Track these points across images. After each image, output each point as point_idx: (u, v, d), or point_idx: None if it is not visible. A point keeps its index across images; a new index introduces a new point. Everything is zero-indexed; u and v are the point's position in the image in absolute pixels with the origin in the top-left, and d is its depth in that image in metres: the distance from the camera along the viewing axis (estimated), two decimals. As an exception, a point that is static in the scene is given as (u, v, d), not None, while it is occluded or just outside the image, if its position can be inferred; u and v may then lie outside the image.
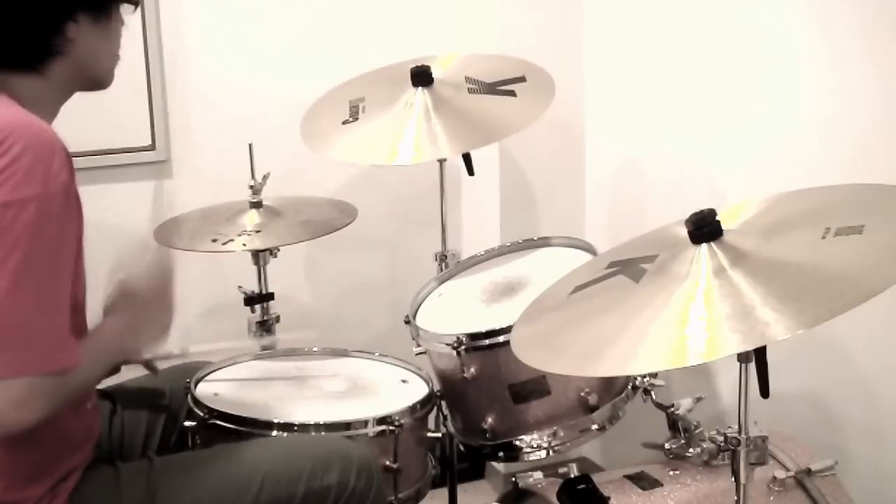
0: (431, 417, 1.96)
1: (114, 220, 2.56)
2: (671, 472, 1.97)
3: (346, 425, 1.76)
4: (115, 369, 1.73)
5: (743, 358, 1.43)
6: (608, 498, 1.88)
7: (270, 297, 2.40)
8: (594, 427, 1.92)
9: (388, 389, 1.96)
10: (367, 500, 1.63)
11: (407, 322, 2.07)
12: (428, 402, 1.91)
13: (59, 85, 1.50)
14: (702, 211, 1.45)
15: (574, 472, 2.03)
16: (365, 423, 1.78)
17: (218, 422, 1.76)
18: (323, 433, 1.76)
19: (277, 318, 2.42)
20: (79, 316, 1.48)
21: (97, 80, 1.56)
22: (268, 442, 1.70)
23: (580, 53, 2.74)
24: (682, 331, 1.32)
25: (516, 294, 2.06)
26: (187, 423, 1.77)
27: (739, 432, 1.50)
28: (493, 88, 2.30)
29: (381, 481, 1.68)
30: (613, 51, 2.67)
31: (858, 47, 2.01)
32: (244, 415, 1.77)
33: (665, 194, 2.53)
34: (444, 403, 2.02)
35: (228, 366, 2.02)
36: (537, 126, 2.28)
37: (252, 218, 2.34)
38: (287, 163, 2.55)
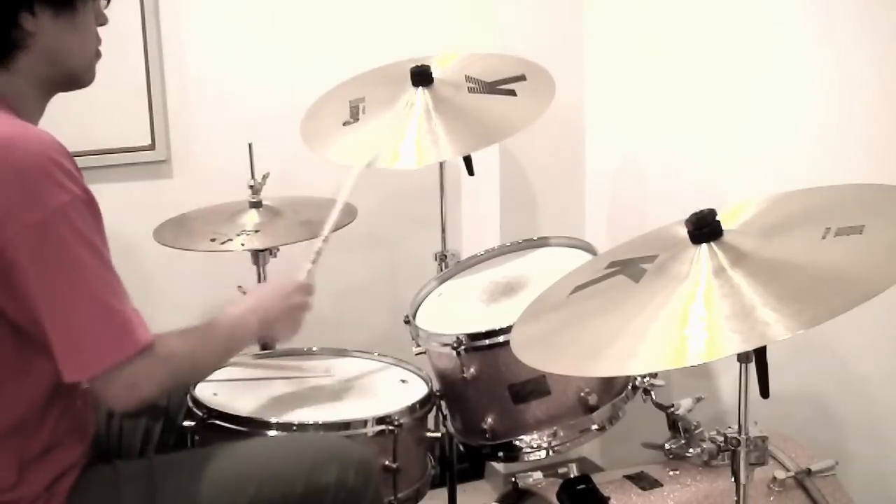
0: (431, 417, 1.96)
1: (113, 219, 2.55)
2: (671, 473, 1.97)
3: (346, 425, 1.76)
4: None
5: (743, 358, 1.43)
6: (608, 498, 1.88)
7: (270, 296, 2.40)
8: (594, 427, 1.92)
9: (387, 389, 1.96)
10: (365, 500, 1.62)
11: (407, 322, 2.07)
12: (427, 402, 1.91)
13: (33, 81, 1.49)
14: (702, 211, 1.45)
15: (574, 472, 2.03)
16: (364, 422, 1.78)
17: (217, 422, 1.76)
18: (321, 432, 1.76)
19: (277, 318, 2.42)
20: None
21: (74, 77, 1.54)
22: (266, 441, 1.70)
23: (580, 53, 2.74)
24: (682, 331, 1.32)
25: (516, 294, 2.06)
26: (186, 423, 1.77)
27: (739, 432, 1.50)
28: (493, 88, 2.30)
29: (379, 480, 1.68)
30: (613, 51, 2.67)
31: (859, 47, 2.01)
32: (243, 415, 1.77)
33: (665, 194, 2.53)
34: (443, 403, 2.02)
35: (228, 366, 2.02)
36: (537, 126, 2.27)
37: (252, 218, 2.34)
38: (287, 162, 2.55)
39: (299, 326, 1.77)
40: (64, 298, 1.39)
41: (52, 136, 1.42)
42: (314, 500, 1.58)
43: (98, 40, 1.56)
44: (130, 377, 1.42)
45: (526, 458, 1.94)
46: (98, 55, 1.57)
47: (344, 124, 2.30)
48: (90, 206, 1.43)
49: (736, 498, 1.52)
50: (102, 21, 1.57)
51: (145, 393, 1.45)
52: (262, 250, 2.35)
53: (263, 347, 2.36)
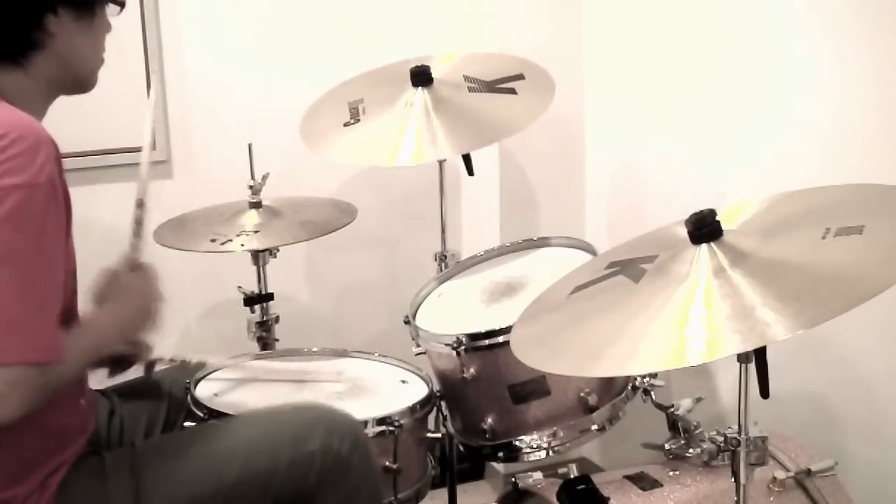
0: (431, 418, 1.96)
1: (112, 220, 2.55)
2: (671, 473, 1.97)
3: (346, 425, 1.76)
4: (124, 364, 1.73)
5: (743, 358, 1.43)
6: (608, 498, 1.88)
7: (270, 297, 2.40)
8: (594, 427, 1.92)
9: (387, 390, 1.96)
10: (352, 462, 1.61)
11: (407, 322, 2.07)
12: (427, 402, 1.91)
13: (42, 81, 1.50)
14: (702, 211, 1.45)
15: (574, 472, 2.03)
16: (364, 423, 1.77)
17: (217, 422, 1.75)
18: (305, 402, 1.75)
19: (277, 319, 2.42)
20: (70, 314, 1.47)
21: (80, 81, 1.55)
22: (250, 415, 1.70)
23: (580, 53, 2.74)
24: (682, 331, 1.32)
25: (516, 294, 2.06)
26: (187, 424, 1.77)
27: (739, 433, 1.50)
28: (492, 87, 2.30)
29: (366, 443, 1.67)
30: (613, 51, 2.67)
31: (859, 47, 2.01)
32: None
33: (665, 194, 2.53)
34: (443, 404, 2.02)
35: (228, 366, 2.02)
36: (537, 126, 2.28)
37: (251, 218, 2.34)
38: (286, 163, 2.55)
39: (156, 320, 1.61)
40: None
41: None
42: (301, 468, 1.58)
43: (104, 47, 1.57)
44: (4, 386, 1.30)
45: (526, 459, 1.94)
46: (102, 62, 1.57)
47: (345, 125, 2.30)
48: (56, 198, 1.38)
49: (736, 498, 1.52)
50: (107, 29, 1.57)
51: (8, 410, 1.31)
52: (261, 251, 2.35)
53: (265, 346, 2.37)
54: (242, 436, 1.60)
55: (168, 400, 1.87)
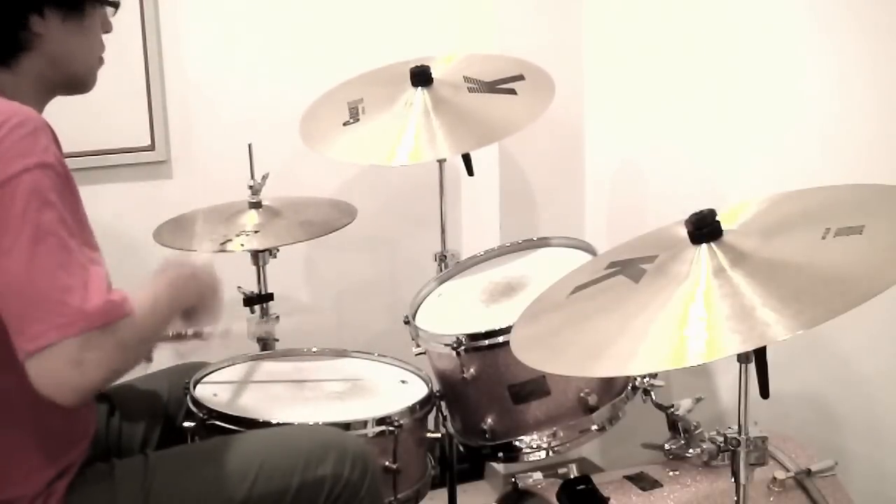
0: (431, 418, 1.96)
1: (112, 220, 2.56)
2: (671, 473, 1.97)
3: (346, 426, 1.76)
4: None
5: (743, 358, 1.43)
6: (608, 498, 1.88)
7: (270, 297, 2.40)
8: (594, 427, 1.92)
9: (387, 390, 1.96)
10: (361, 491, 1.62)
11: (406, 322, 2.07)
12: (427, 402, 1.91)
13: (35, 82, 1.49)
14: (702, 211, 1.45)
15: (574, 472, 2.03)
16: (364, 423, 1.77)
17: (217, 422, 1.75)
18: (318, 425, 1.75)
19: (277, 319, 2.42)
20: None
21: (76, 82, 1.54)
22: (263, 434, 1.69)
23: (580, 54, 2.74)
24: (682, 331, 1.32)
25: (516, 294, 2.06)
26: (186, 424, 1.77)
27: (739, 433, 1.50)
28: (492, 87, 2.30)
29: (376, 472, 1.67)
30: (613, 51, 2.67)
31: (859, 47, 2.01)
32: (243, 415, 1.77)
33: (665, 194, 2.53)
34: (443, 404, 2.02)
35: (227, 366, 2.02)
36: (537, 126, 2.28)
37: (251, 218, 2.34)
38: (286, 163, 2.55)
39: (218, 308, 1.63)
40: (19, 261, 1.29)
41: None
42: (311, 492, 1.58)
43: (102, 47, 1.57)
44: (78, 352, 1.29)
45: (526, 459, 1.94)
46: (101, 62, 1.57)
47: (344, 124, 2.30)
48: (67, 178, 1.38)
49: (736, 498, 1.51)
50: (108, 28, 1.57)
51: (90, 375, 1.30)
52: (261, 251, 2.35)
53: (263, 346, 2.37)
54: (256, 455, 1.59)
55: (167, 400, 1.87)
